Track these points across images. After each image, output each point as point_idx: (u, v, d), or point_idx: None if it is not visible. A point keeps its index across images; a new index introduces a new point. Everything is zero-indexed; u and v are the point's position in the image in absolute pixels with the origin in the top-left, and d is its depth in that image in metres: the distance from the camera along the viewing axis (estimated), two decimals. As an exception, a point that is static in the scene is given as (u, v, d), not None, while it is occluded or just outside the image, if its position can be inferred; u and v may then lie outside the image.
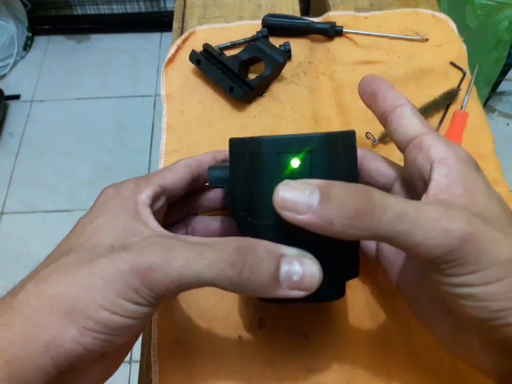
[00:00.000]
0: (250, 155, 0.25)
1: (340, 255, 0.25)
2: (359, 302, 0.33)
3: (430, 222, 0.19)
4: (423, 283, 0.25)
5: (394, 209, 0.20)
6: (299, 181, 0.21)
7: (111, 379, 0.24)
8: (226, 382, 0.31)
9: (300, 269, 0.21)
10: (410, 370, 0.31)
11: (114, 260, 0.21)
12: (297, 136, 0.24)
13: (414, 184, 0.26)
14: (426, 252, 0.19)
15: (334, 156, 0.24)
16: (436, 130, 0.25)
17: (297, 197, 0.20)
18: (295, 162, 0.23)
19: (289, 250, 0.22)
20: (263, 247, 0.22)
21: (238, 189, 0.27)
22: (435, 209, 0.20)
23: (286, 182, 0.21)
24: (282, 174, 0.23)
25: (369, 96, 0.28)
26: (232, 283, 0.21)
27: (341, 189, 0.20)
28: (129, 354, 0.25)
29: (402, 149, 0.26)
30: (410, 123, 0.25)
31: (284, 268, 0.21)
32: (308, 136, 0.24)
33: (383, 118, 0.27)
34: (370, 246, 0.29)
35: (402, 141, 0.25)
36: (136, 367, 0.30)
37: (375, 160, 0.29)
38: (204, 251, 0.21)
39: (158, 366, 0.31)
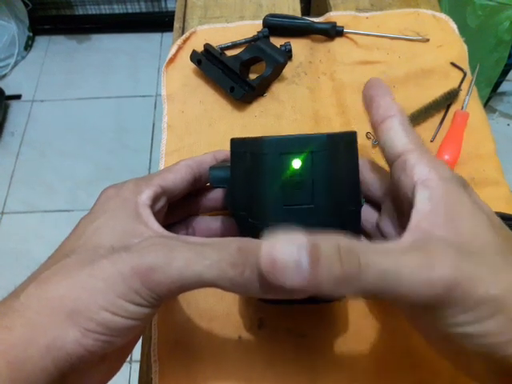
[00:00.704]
0: (252, 155, 0.25)
1: None
2: (359, 303, 0.33)
3: (411, 273, 0.19)
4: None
5: (376, 267, 0.19)
6: (284, 235, 0.19)
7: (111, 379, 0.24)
8: (225, 382, 0.31)
9: None
10: (410, 370, 0.31)
11: (114, 261, 0.21)
12: (298, 137, 0.24)
13: (400, 201, 0.25)
14: (412, 301, 0.19)
15: (335, 157, 0.24)
16: (423, 145, 0.24)
17: (285, 262, 0.18)
18: (296, 163, 0.23)
19: None
20: None
21: (239, 189, 0.27)
22: (415, 256, 0.19)
23: (274, 241, 0.19)
24: (283, 174, 0.23)
25: (366, 101, 0.27)
26: (233, 284, 0.21)
27: (327, 247, 0.19)
28: (126, 360, 0.25)
29: (389, 165, 0.25)
30: (396, 138, 0.24)
31: None
32: (309, 137, 0.24)
33: (375, 128, 0.26)
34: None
35: (388, 157, 0.25)
36: (136, 367, 0.31)
37: (372, 172, 0.29)
38: (205, 251, 0.21)
39: (158, 366, 0.31)
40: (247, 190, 0.26)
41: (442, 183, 0.22)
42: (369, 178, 0.29)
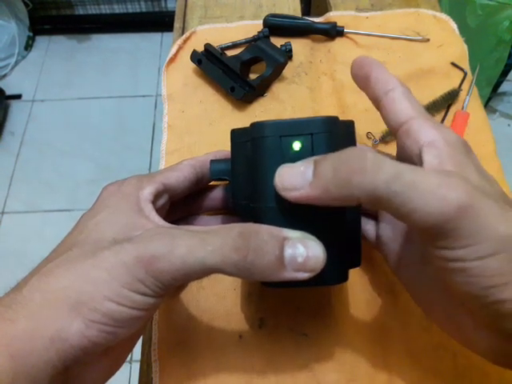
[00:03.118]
0: (253, 140, 0.25)
1: (342, 240, 0.25)
2: (360, 303, 0.33)
3: (428, 186, 0.19)
4: (419, 266, 0.25)
5: (390, 168, 0.19)
6: (298, 162, 0.22)
7: (111, 379, 0.24)
8: (226, 381, 0.31)
9: (304, 250, 0.21)
10: (410, 369, 0.31)
11: (117, 251, 0.21)
12: (298, 120, 0.24)
13: None
14: (421, 219, 0.19)
15: (334, 139, 0.24)
16: (427, 113, 0.24)
17: (293, 174, 0.22)
18: (297, 145, 0.24)
19: (292, 233, 0.22)
20: (266, 231, 0.22)
21: (240, 178, 0.27)
22: (434, 175, 0.19)
23: (284, 164, 0.22)
24: (284, 157, 0.24)
25: (362, 80, 0.27)
26: (238, 268, 0.21)
27: (334, 156, 0.21)
28: (129, 354, 0.25)
29: (394, 134, 0.25)
30: (400, 108, 0.24)
31: (288, 250, 0.21)
32: (309, 119, 0.24)
33: (376, 103, 0.26)
34: (370, 232, 0.29)
35: (392, 126, 0.25)
36: (136, 367, 0.31)
37: None
38: (207, 238, 0.21)
39: (159, 366, 0.31)
40: (248, 178, 0.26)
41: (447, 145, 0.22)
42: None
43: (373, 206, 0.20)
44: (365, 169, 0.19)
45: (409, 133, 0.23)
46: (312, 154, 0.24)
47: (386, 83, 0.25)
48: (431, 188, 0.19)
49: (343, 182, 0.20)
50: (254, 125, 0.25)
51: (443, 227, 0.19)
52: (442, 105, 0.43)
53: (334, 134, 0.24)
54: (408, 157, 0.24)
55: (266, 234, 0.22)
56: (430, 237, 0.20)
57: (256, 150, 0.25)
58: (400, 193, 0.19)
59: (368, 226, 0.30)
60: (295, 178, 0.22)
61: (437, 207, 0.18)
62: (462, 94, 0.44)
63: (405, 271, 0.27)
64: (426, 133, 0.23)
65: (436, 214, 0.18)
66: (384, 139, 0.41)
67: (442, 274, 0.21)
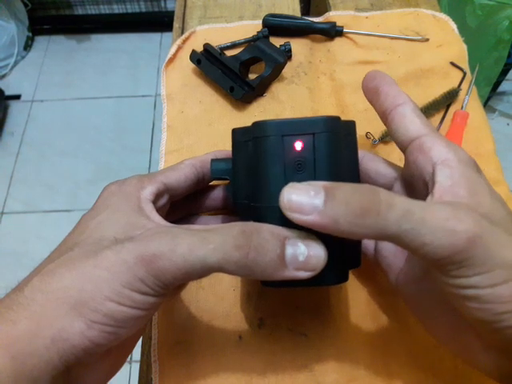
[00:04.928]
0: (254, 139, 0.25)
1: (343, 240, 0.25)
2: (359, 303, 0.33)
3: (436, 221, 0.19)
4: (422, 284, 0.25)
5: (400, 206, 0.19)
6: (305, 183, 0.21)
7: (111, 379, 0.24)
8: (226, 381, 0.31)
9: (305, 249, 0.21)
10: (410, 369, 0.31)
11: (118, 251, 0.21)
12: (300, 119, 0.24)
13: (413, 184, 0.26)
14: (432, 252, 0.19)
15: (336, 139, 0.24)
16: (437, 130, 0.25)
17: (302, 198, 0.20)
18: (299, 145, 0.24)
19: (293, 232, 0.22)
20: (267, 229, 0.22)
21: (241, 177, 0.27)
22: (442, 209, 0.20)
23: (291, 184, 0.21)
24: (285, 156, 0.24)
25: (371, 93, 0.27)
26: (239, 266, 0.21)
27: (346, 188, 0.20)
28: (129, 354, 0.25)
29: (403, 149, 0.26)
30: (410, 123, 0.25)
31: (289, 249, 0.21)
32: (311, 119, 0.24)
33: (384, 116, 0.26)
34: (368, 246, 0.29)
35: (402, 141, 0.25)
36: (136, 367, 0.31)
37: (374, 161, 0.29)
38: (209, 236, 0.21)
39: (158, 366, 0.31)
40: (249, 177, 0.26)
41: (460, 164, 0.22)
42: (372, 167, 0.29)
43: (379, 240, 0.21)
44: (378, 208, 0.19)
45: (422, 148, 0.24)
46: (313, 154, 0.24)
47: (396, 98, 0.26)
48: (440, 223, 0.19)
49: (355, 220, 0.20)
50: (255, 124, 0.25)
51: (455, 258, 0.19)
52: (442, 104, 0.43)
53: (335, 134, 0.24)
54: (418, 173, 0.24)
55: (267, 232, 0.22)
56: (442, 267, 0.20)
57: (258, 150, 0.25)
58: (410, 230, 0.19)
59: (366, 240, 0.29)
60: (304, 203, 0.20)
61: (447, 240, 0.19)
62: (462, 93, 0.44)
63: (406, 287, 0.27)
64: (440, 150, 0.23)
65: (446, 246, 0.19)
66: (383, 139, 0.41)
67: (453, 300, 0.21)
